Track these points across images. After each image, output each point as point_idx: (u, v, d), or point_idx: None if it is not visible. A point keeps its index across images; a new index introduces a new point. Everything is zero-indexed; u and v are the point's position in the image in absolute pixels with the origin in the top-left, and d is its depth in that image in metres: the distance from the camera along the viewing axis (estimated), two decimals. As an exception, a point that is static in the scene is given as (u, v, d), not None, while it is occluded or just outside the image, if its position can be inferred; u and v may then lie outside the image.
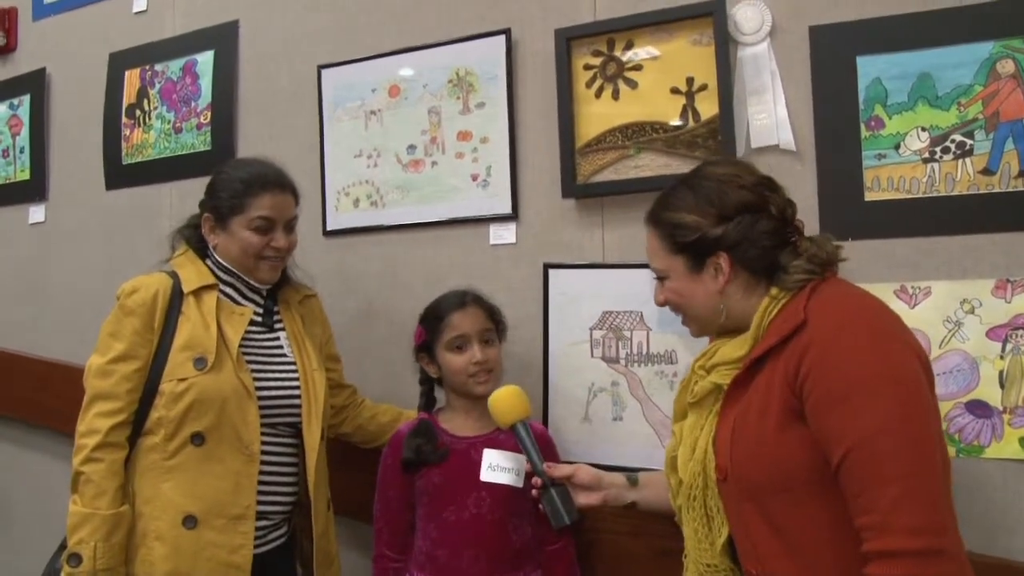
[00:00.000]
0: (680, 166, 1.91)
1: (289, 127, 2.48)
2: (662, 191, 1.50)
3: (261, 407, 1.79)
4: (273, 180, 1.88)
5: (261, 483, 1.79)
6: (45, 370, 2.91)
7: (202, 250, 1.91)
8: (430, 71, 2.24)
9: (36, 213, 3.04)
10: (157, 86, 2.76)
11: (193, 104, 2.68)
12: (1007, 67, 1.70)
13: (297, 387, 1.86)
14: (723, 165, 1.50)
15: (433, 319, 1.89)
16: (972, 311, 1.70)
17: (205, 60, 2.67)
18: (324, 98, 2.40)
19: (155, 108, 2.76)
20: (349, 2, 2.41)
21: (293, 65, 2.49)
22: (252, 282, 1.89)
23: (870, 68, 1.80)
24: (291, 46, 2.51)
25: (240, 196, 1.85)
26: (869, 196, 1.79)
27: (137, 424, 1.76)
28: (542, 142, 2.09)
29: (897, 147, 1.77)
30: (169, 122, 2.72)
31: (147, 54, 2.79)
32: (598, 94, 2.03)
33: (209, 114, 2.64)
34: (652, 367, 1.95)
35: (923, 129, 1.76)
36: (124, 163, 2.81)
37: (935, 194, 1.74)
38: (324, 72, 2.40)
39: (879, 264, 1.75)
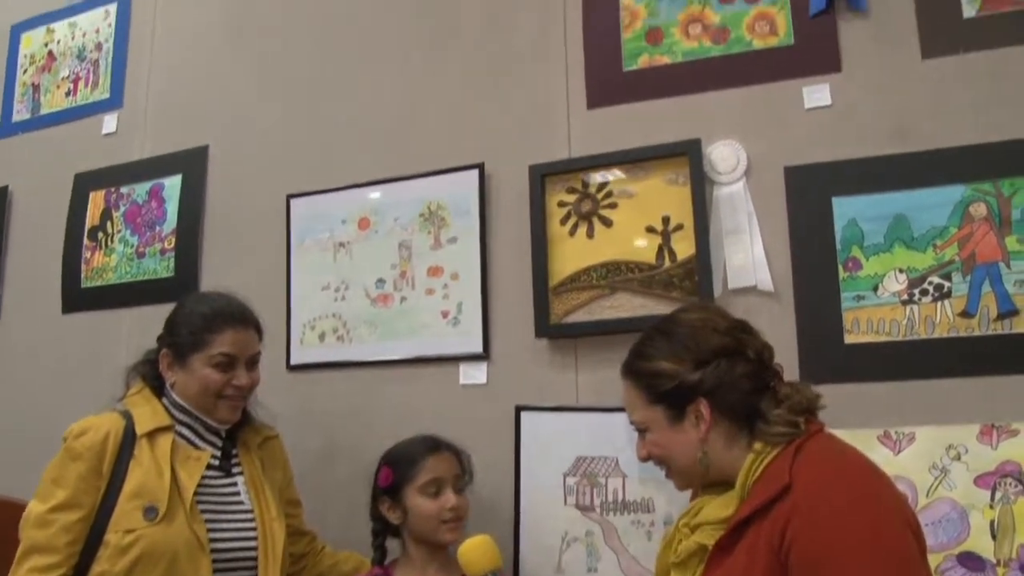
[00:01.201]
0: (656, 307, 1.94)
1: (255, 256, 2.49)
2: (636, 341, 1.51)
3: (215, 560, 1.73)
4: (236, 315, 1.87)
5: (214, 642, 1.72)
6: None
7: (158, 388, 1.88)
8: (401, 204, 2.28)
9: (-13, 333, 3.01)
10: (122, 209, 2.77)
11: (158, 229, 2.69)
12: (980, 210, 1.78)
13: (254, 539, 1.81)
14: (696, 310, 1.52)
15: (405, 462, 1.86)
16: (958, 457, 1.70)
17: (172, 184, 2.69)
18: (292, 228, 2.42)
19: (119, 231, 2.77)
20: (321, 131, 2.47)
21: (262, 193, 2.52)
22: (211, 422, 1.86)
23: (846, 209, 1.87)
24: (261, 174, 2.55)
25: (201, 332, 1.84)
26: (849, 339, 1.82)
27: (77, 577, 1.70)
28: (515, 280, 2.11)
29: (875, 289, 1.81)
30: (132, 246, 2.73)
31: (114, 176, 2.81)
32: (572, 232, 2.07)
33: (174, 240, 2.65)
34: (628, 516, 1.92)
35: (900, 271, 1.81)
36: (83, 286, 2.80)
37: (915, 337, 1.78)
38: (293, 201, 2.43)
39: (861, 409, 1.76)
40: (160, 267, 2.66)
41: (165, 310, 1.94)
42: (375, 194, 2.32)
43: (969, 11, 1.88)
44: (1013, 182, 1.76)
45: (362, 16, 2.51)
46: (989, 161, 1.79)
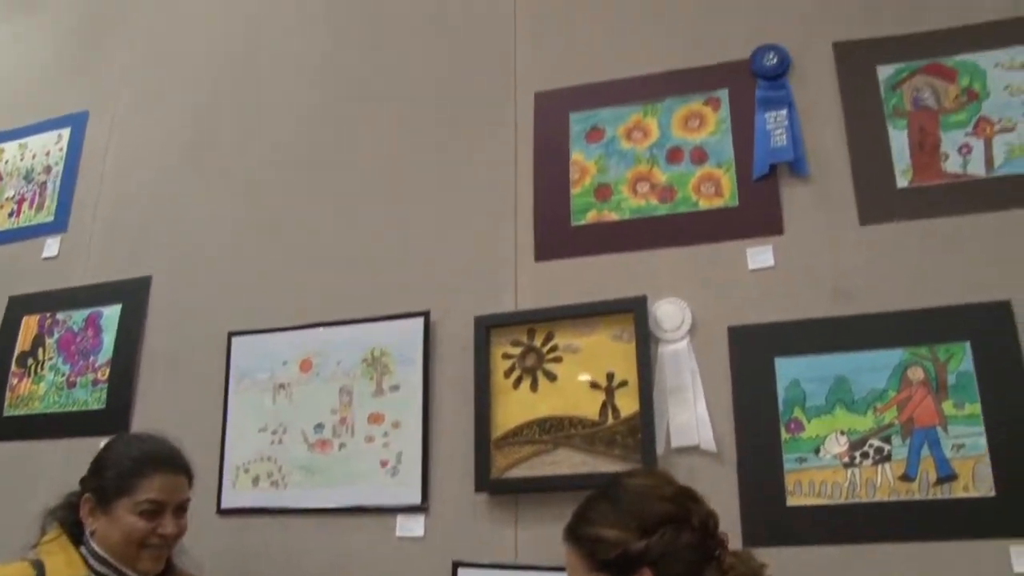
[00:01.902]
0: (598, 464, 1.94)
1: (192, 392, 2.47)
2: (579, 504, 1.51)
3: None
4: (166, 460, 1.85)
5: None
6: None
7: (77, 536, 1.83)
8: (344, 348, 2.28)
9: None
10: (56, 335, 2.74)
11: (92, 358, 2.66)
12: (917, 374, 1.83)
13: None
14: (641, 476, 1.54)
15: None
16: (899, 621, 1.70)
17: (111, 314, 2.68)
18: (232, 366, 2.41)
19: (50, 359, 2.73)
20: (268, 269, 2.49)
21: (203, 328, 2.51)
22: (131, 574, 1.81)
23: (789, 370, 1.91)
24: (203, 309, 2.54)
25: (128, 476, 1.80)
26: (791, 501, 1.83)
27: None
28: (457, 431, 2.11)
29: (817, 451, 1.84)
30: (63, 375, 2.68)
31: (50, 301, 2.78)
32: (516, 384, 2.08)
33: (108, 371, 2.61)
34: None
35: (842, 433, 1.85)
36: (5, 414, 2.73)
37: (857, 500, 1.80)
38: (235, 339, 2.43)
39: (804, 573, 1.77)
40: (91, 398, 2.62)
41: (92, 444, 1.91)
42: (319, 336, 2.33)
43: (902, 182, 1.98)
44: (949, 348, 1.82)
45: (317, 160, 2.57)
46: (925, 326, 1.85)
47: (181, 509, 1.86)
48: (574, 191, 2.22)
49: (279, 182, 2.59)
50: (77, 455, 2.08)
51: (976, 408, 1.78)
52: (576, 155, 2.26)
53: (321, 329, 2.34)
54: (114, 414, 2.53)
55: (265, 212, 2.57)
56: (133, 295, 2.67)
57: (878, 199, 1.99)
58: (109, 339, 2.66)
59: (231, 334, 2.44)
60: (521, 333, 2.12)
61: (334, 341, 2.31)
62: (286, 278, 2.47)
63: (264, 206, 2.58)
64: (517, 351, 2.11)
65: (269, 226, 2.55)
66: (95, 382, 2.63)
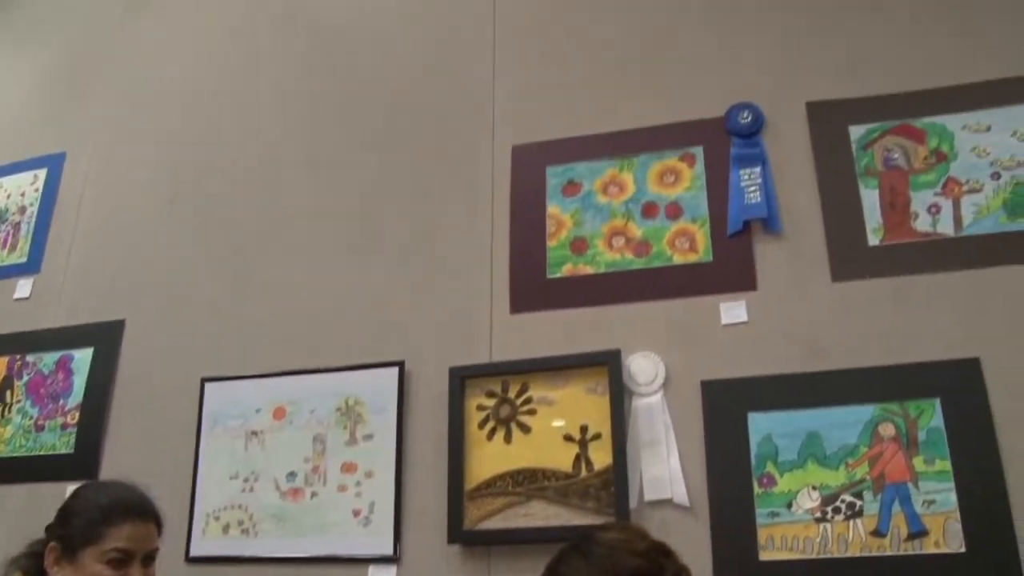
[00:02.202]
0: (571, 517, 1.95)
1: (163, 438, 2.45)
2: (551, 558, 1.50)
3: None
4: (136, 507, 1.82)
5: None
6: None
7: (40, 586, 1.81)
8: (319, 396, 2.29)
9: None
10: (25, 378, 2.72)
11: (62, 402, 2.64)
12: (888, 430, 1.86)
13: None
14: (614, 530, 1.54)
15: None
16: None
17: (83, 357, 2.66)
18: (205, 412, 2.40)
19: (18, 401, 2.71)
20: (243, 316, 2.50)
21: (176, 374, 2.51)
22: (97, 625, 1.79)
23: (761, 425, 1.94)
24: (176, 354, 2.54)
25: (96, 524, 1.77)
26: (764, 555, 1.85)
27: None
28: (430, 482, 2.11)
29: (789, 505, 1.86)
30: (31, 418, 2.66)
31: (20, 343, 2.77)
32: (490, 436, 2.09)
33: (77, 415, 2.59)
34: None
35: (814, 488, 1.86)
36: (-30, 457, 2.71)
37: (829, 555, 1.82)
38: (208, 385, 2.42)
39: (775, 629, 1.77)
40: (59, 442, 2.59)
41: (59, 489, 1.89)
42: (293, 384, 2.34)
43: (873, 240, 2.02)
44: (919, 404, 1.85)
45: (295, 208, 2.58)
46: (896, 383, 1.88)
47: (149, 558, 1.83)
48: (550, 244, 2.25)
49: (256, 228, 2.61)
50: (43, 501, 2.05)
51: (946, 464, 1.80)
52: (552, 208, 2.29)
53: (295, 377, 2.34)
54: (82, 459, 2.51)
55: (242, 258, 2.58)
56: (106, 339, 2.66)
57: (850, 256, 2.03)
58: (80, 382, 2.64)
59: (204, 380, 2.44)
60: (496, 384, 2.13)
61: (308, 389, 2.31)
62: (261, 325, 2.47)
63: (241, 252, 2.59)
64: (491, 402, 2.12)
65: (245, 272, 2.56)
66: (64, 426, 2.61)
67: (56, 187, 2.97)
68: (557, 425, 2.06)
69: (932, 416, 1.84)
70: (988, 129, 2.06)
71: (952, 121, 2.08)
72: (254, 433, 2.34)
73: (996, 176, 2.02)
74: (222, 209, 2.68)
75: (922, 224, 2.02)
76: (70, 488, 1.91)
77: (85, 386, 2.63)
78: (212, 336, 2.52)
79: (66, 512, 1.84)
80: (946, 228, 2.00)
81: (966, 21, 2.18)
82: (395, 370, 2.23)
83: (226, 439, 2.37)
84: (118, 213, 2.83)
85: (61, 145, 3.02)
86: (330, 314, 2.40)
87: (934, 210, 2.02)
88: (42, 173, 3.01)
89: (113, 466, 2.44)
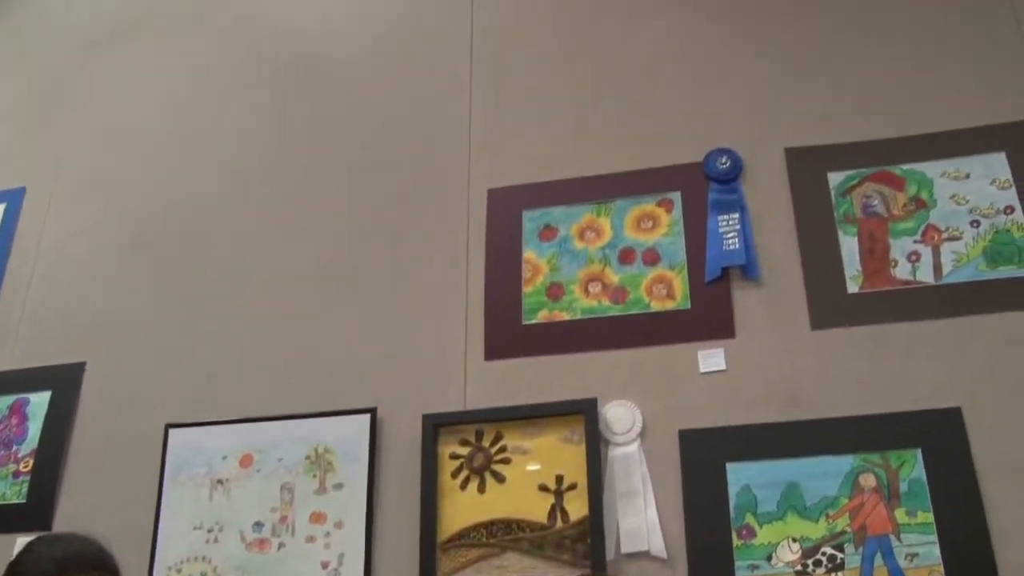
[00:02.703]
0: (547, 569, 1.93)
1: (123, 487, 2.39)
2: None
3: None
4: (93, 561, 1.77)
5: None
6: None
7: (-11, 645, 1.76)
8: (287, 444, 2.24)
9: None
10: (-24, 422, 2.65)
11: (15, 448, 2.56)
12: (869, 481, 1.85)
13: None
14: None
15: None
16: None
17: (39, 401, 2.59)
18: (168, 460, 2.34)
19: (-32, 449, 2.64)
20: (209, 360, 2.45)
21: (138, 420, 2.44)
22: None
23: (740, 475, 1.92)
24: (139, 399, 2.48)
25: (51, 580, 1.74)
26: (743, 609, 1.81)
27: None
28: (402, 533, 2.07)
29: (769, 558, 1.84)
30: (-19, 465, 2.59)
31: (-29, 386, 2.70)
32: (464, 486, 2.06)
33: (31, 462, 2.52)
34: None
35: (794, 540, 1.85)
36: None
37: (810, 610, 1.79)
38: (172, 431, 2.37)
39: None
40: (11, 491, 2.51)
41: (8, 541, 1.84)
42: (261, 431, 2.29)
43: (853, 287, 2.03)
44: (900, 454, 1.84)
45: (264, 249, 2.55)
46: (877, 432, 1.87)
47: (106, 614, 1.79)
48: (526, 290, 2.24)
49: (222, 270, 2.57)
50: (-9, 554, 1.99)
51: (929, 516, 1.79)
52: (528, 253, 2.29)
53: (264, 424, 2.29)
54: (36, 509, 2.43)
55: (209, 300, 2.54)
56: (64, 382, 2.59)
57: (829, 304, 2.03)
58: (35, 428, 2.56)
59: (168, 426, 2.38)
60: (469, 433, 2.11)
61: (277, 436, 2.27)
62: (228, 369, 2.42)
63: (207, 294, 2.55)
64: (465, 451, 2.10)
65: (213, 315, 2.51)
66: (16, 474, 2.53)
67: (15, 222, 2.90)
68: (532, 474, 2.04)
69: (914, 467, 1.83)
70: (967, 176, 2.08)
71: (931, 168, 2.11)
72: (220, 482, 2.28)
73: (976, 224, 2.04)
74: (188, 249, 2.64)
75: (902, 272, 2.03)
76: (21, 541, 1.89)
77: (41, 432, 2.55)
78: (177, 380, 2.47)
79: (17, 567, 1.79)
80: (926, 276, 2.01)
81: (944, 68, 2.22)
82: (367, 417, 2.19)
83: (190, 488, 2.31)
84: (79, 251, 2.77)
85: (21, 180, 2.97)
86: (300, 359, 2.37)
87: (914, 258, 2.04)
88: (0, 208, 2.96)
89: (68, 517, 2.37)
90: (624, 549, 1.93)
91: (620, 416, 2.03)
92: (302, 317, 2.42)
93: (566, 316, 2.19)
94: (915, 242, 2.05)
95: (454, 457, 2.10)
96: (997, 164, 2.08)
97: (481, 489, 2.06)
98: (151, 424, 2.41)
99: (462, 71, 2.59)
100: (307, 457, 2.22)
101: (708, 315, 2.09)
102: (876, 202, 2.11)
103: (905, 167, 2.13)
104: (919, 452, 1.85)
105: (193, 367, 2.47)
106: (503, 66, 2.57)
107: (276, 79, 2.81)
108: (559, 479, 2.01)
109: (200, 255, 2.62)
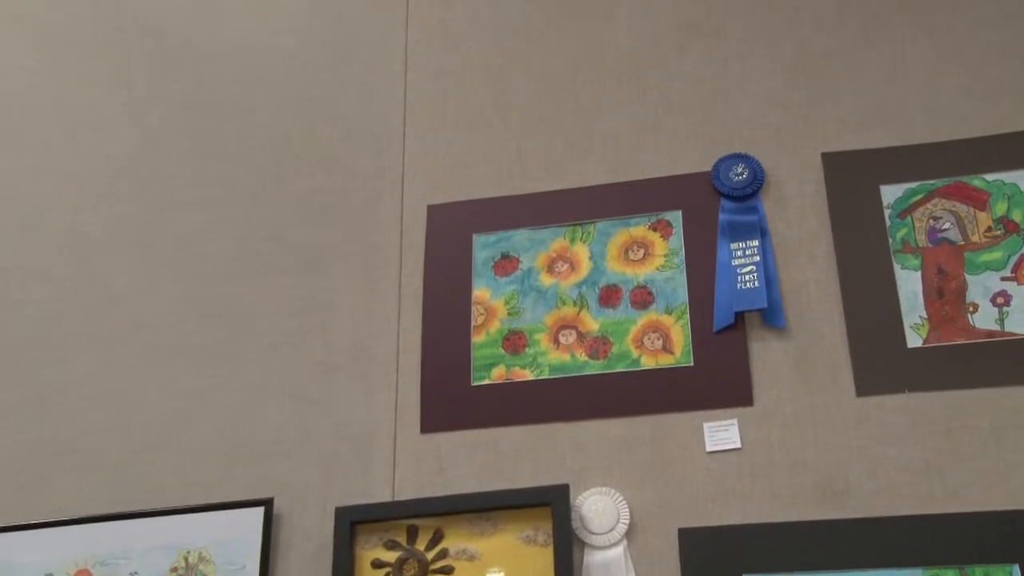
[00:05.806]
0: None
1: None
2: None
3: None
4: None
5: None
6: None
7: None
8: (144, 551, 1.95)
9: None
10: None
11: None
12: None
13: None
14: None
15: None
16: None
17: None
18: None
19: None
20: (37, 439, 2.15)
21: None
22: None
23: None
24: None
25: None
26: None
27: None
28: (303, 670, 1.83)
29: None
30: None
31: None
32: (392, 606, 1.84)
33: None
34: None
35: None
36: None
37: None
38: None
39: None
40: None
41: None
42: (107, 534, 2.00)
43: (914, 340, 1.82)
44: (988, 570, 1.61)
45: (124, 287, 2.27)
46: (952, 539, 1.65)
47: None
48: (476, 340, 2.03)
49: (63, 313, 2.26)
50: None
51: (1030, 658, 1.56)
52: (480, 291, 2.08)
53: (111, 524, 2.01)
54: None
55: (39, 356, 2.23)
56: None
57: (881, 363, 1.82)
58: None
59: (-1, 529, 2.09)
60: (399, 532, 1.87)
61: (130, 541, 1.97)
62: (65, 450, 2.12)
63: (41, 347, 2.24)
64: (393, 557, 1.85)
65: (44, 375, 2.21)
66: None
67: None
68: (483, 588, 1.85)
69: (1008, 588, 1.60)
70: (1078, 187, 1.88)
71: (1026, 178, 1.91)
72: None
73: (1088, 256, 1.84)
74: (17, 288, 2.33)
75: (983, 320, 1.82)
76: None
77: None
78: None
79: None
80: (1017, 326, 1.79)
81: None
82: (259, 511, 1.92)
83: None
84: None
85: None
86: (169, 434, 2.09)
87: (1000, 300, 1.82)
88: None
89: None
90: None
91: (600, 509, 1.83)
92: (174, 379, 2.15)
93: (529, 375, 1.99)
94: (1003, 279, 1.84)
95: (378, 565, 1.86)
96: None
97: (416, 610, 1.87)
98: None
99: (395, 42, 2.39)
100: (173, 569, 1.94)
101: (717, 375, 1.89)
102: (948, 225, 1.90)
103: (990, 178, 1.91)
104: (1016, 569, 1.61)
105: (14, 448, 2.17)
106: (451, 37, 2.36)
107: (164, 57, 2.53)
108: (519, 595, 1.82)
109: (32, 296, 2.32)
